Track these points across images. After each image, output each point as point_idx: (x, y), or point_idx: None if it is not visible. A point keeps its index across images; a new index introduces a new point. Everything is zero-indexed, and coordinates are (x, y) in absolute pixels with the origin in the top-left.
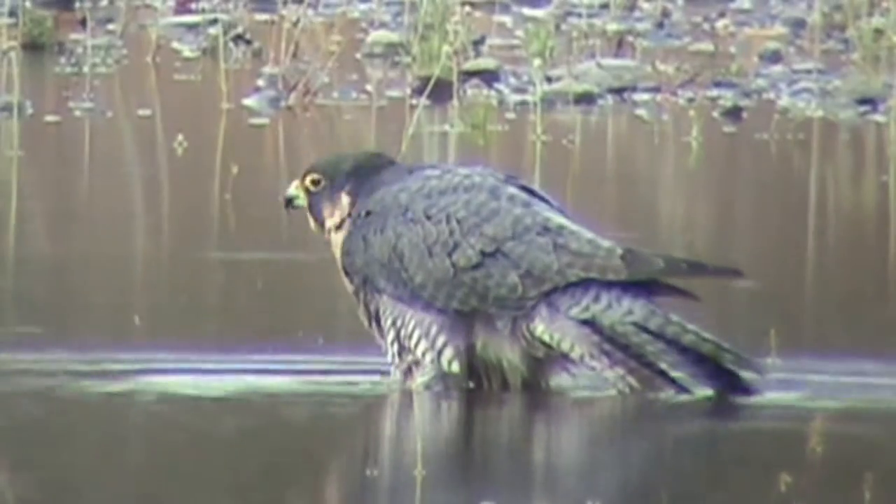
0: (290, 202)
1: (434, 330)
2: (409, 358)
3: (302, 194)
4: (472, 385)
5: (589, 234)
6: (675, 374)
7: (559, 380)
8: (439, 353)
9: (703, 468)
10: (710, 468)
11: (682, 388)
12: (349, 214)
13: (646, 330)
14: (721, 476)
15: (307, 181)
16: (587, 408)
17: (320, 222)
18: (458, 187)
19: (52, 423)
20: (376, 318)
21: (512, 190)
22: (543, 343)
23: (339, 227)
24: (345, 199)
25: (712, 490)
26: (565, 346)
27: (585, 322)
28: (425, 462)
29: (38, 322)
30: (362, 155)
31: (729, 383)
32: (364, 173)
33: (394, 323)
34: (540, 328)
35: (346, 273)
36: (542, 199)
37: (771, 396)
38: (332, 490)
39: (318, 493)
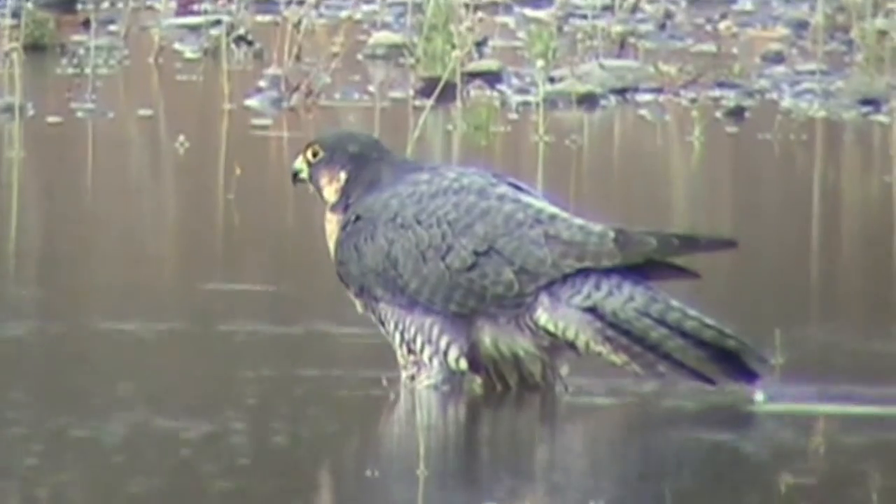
0: (295, 176)
1: (436, 331)
2: (415, 359)
3: (305, 168)
4: (484, 385)
5: (579, 221)
6: (679, 358)
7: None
8: (445, 353)
9: (705, 470)
10: (713, 470)
11: (686, 373)
12: (343, 193)
13: (648, 316)
14: (723, 478)
15: (308, 153)
16: (589, 409)
17: (319, 192)
18: (448, 191)
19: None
20: (381, 323)
21: (501, 189)
22: (548, 332)
23: (335, 206)
24: (342, 175)
25: (715, 492)
26: (570, 335)
27: (588, 310)
28: (427, 461)
29: (38, 322)
30: (365, 139)
31: (732, 368)
32: (363, 161)
33: (397, 327)
34: (543, 318)
35: (342, 280)
36: (529, 194)
37: (774, 398)
38: (333, 490)
39: (318, 494)
